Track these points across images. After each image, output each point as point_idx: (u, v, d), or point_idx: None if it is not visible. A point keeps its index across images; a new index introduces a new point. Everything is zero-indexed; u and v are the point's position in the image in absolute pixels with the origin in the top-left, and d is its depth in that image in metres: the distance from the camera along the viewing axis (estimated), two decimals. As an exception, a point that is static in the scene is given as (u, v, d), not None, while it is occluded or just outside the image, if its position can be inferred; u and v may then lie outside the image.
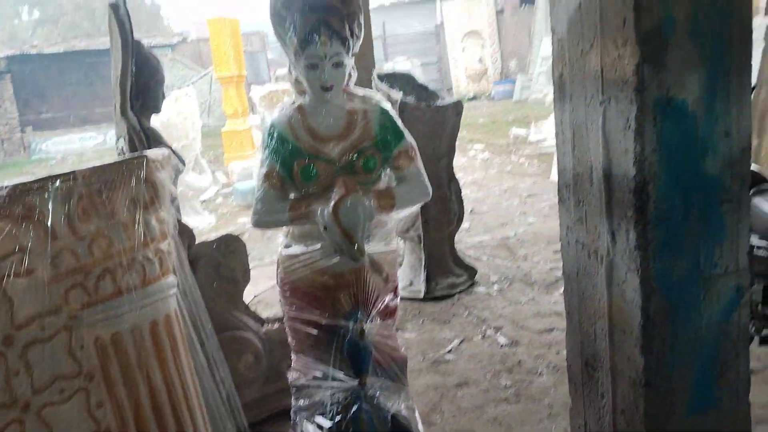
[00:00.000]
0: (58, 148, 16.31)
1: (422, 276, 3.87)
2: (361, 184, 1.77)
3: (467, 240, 4.93)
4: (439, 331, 3.40)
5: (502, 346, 3.14)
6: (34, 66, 18.09)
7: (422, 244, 3.87)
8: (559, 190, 1.73)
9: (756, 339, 2.30)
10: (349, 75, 1.83)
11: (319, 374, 1.88)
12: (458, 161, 4.11)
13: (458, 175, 4.10)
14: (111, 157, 1.84)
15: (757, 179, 2.36)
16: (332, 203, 1.68)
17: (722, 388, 1.42)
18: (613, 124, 1.35)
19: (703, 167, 1.29)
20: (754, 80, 2.61)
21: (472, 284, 3.98)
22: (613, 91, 1.34)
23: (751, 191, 2.21)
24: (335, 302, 1.85)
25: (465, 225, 4.69)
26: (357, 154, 1.80)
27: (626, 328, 1.41)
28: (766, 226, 2.22)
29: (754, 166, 2.41)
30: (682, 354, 1.37)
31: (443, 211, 3.85)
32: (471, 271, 4.04)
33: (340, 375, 1.85)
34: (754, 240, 2.20)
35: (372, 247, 1.82)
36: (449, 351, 3.16)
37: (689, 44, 1.23)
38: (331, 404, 1.86)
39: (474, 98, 16.89)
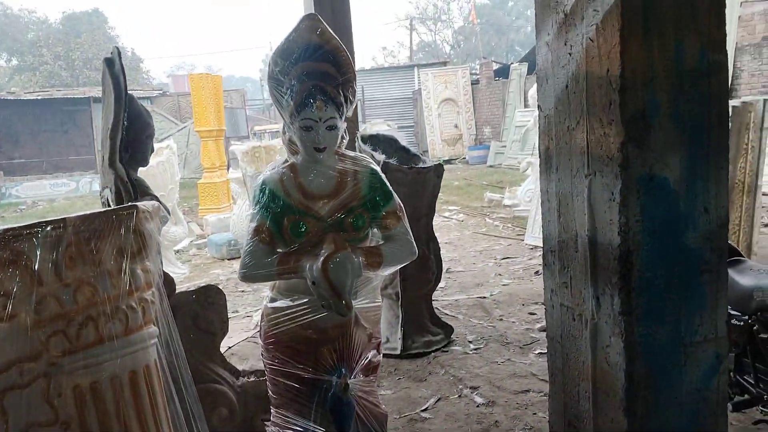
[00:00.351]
0: (28, 193, 16.05)
1: (399, 333, 3.87)
2: (350, 241, 1.80)
3: (443, 299, 4.95)
4: (416, 389, 3.37)
5: (478, 405, 3.12)
6: (9, 111, 18.00)
7: (400, 302, 3.88)
8: (544, 255, 1.78)
9: (729, 405, 2.34)
10: (342, 137, 1.88)
11: (299, 429, 1.85)
12: (434, 222, 4.18)
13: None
14: (83, 204, 1.83)
15: (730, 252, 2.45)
16: (322, 259, 1.70)
17: (701, 452, 1.44)
18: (598, 196, 1.42)
19: (684, 240, 1.35)
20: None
21: (449, 343, 3.98)
22: (598, 166, 1.41)
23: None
24: (319, 357, 1.85)
25: (441, 284, 4.72)
26: (346, 212, 1.84)
27: (610, 390, 1.44)
28: (739, 296, 2.29)
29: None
30: (664, 418, 1.40)
31: (422, 269, 3.88)
32: (448, 330, 4.05)
33: (322, 431, 1.82)
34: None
35: (358, 303, 1.83)
36: (425, 409, 3.13)
37: (671, 126, 1.32)
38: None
39: (449, 161, 17.25)
